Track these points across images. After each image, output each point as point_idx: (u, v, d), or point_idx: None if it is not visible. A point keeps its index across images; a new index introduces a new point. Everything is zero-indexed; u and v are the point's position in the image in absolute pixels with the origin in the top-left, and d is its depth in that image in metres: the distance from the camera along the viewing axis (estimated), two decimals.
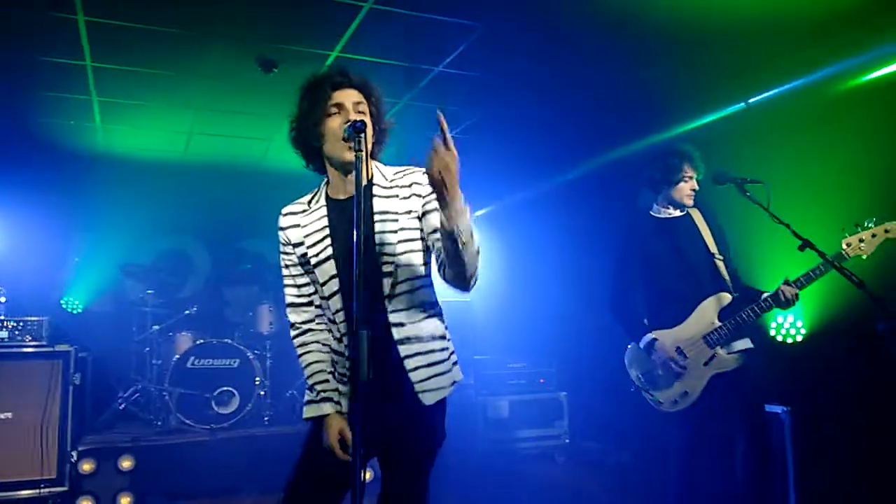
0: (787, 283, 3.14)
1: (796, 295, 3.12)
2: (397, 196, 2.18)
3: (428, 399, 2.12)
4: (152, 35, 3.92)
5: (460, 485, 4.79)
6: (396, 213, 2.16)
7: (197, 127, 5.64)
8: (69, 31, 3.83)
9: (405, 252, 2.15)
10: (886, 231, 2.98)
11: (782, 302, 3.12)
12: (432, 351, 2.17)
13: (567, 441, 5.83)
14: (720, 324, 3.26)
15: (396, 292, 2.13)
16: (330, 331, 2.27)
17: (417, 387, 2.10)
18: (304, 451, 2.21)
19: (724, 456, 3.31)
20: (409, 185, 2.19)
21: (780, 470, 3.75)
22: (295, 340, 2.32)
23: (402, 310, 2.13)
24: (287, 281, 2.32)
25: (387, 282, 2.12)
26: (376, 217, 2.15)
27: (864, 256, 3.00)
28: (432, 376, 2.14)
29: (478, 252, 2.01)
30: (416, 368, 2.11)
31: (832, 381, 3.95)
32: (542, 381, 6.05)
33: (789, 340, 4.22)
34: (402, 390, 2.10)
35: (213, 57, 4.25)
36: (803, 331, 4.15)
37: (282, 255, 2.31)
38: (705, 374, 3.26)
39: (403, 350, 2.11)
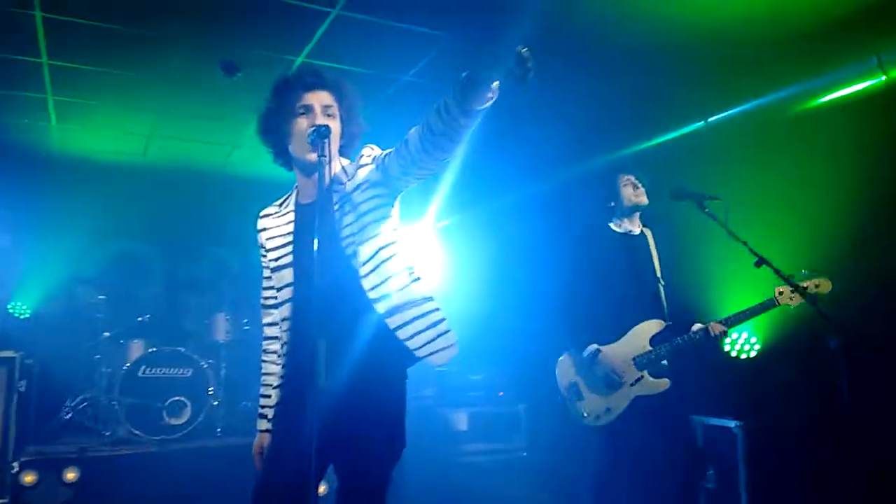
0: (719, 320, 3.29)
1: (724, 332, 3.27)
2: (359, 188, 2.13)
3: (439, 359, 2.05)
4: (112, 34, 3.84)
5: (416, 497, 4.74)
6: (354, 198, 2.11)
7: (157, 130, 5.53)
8: (26, 26, 3.73)
9: (368, 224, 2.09)
10: (817, 286, 3.10)
11: (710, 338, 3.27)
12: (430, 311, 2.09)
13: (525, 454, 5.83)
14: (651, 348, 3.34)
15: (371, 268, 2.06)
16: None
17: (421, 352, 2.03)
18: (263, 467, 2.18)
19: (644, 475, 3.42)
20: (362, 164, 2.15)
21: (732, 484, 3.80)
22: (263, 343, 2.31)
23: (383, 282, 2.06)
24: (264, 283, 2.33)
25: (355, 261, 2.06)
26: (338, 212, 2.11)
27: (793, 307, 3.16)
28: (437, 336, 2.07)
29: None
30: (412, 336, 2.04)
31: (785, 396, 4.03)
32: (501, 393, 6.05)
33: (743, 356, 4.30)
34: (401, 361, 2.06)
35: (174, 59, 4.18)
36: (757, 346, 4.24)
37: (261, 256, 2.33)
38: (630, 393, 3.34)
39: (392, 322, 2.03)
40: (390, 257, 2.10)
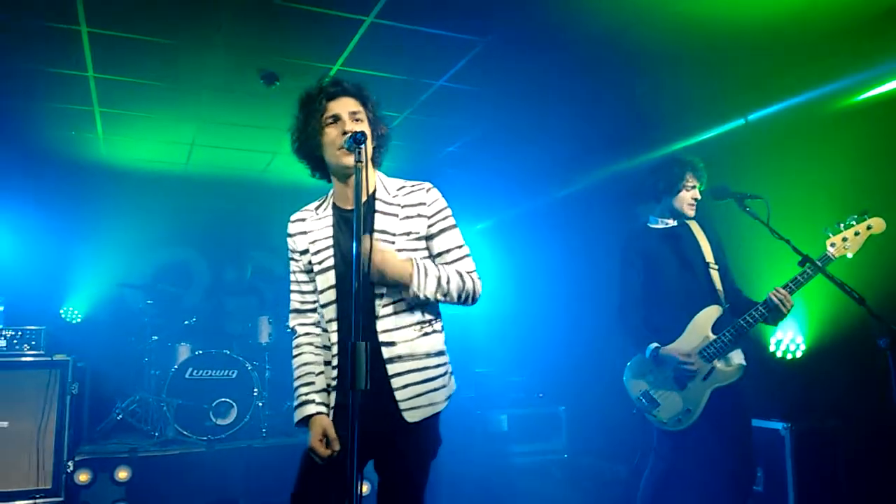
0: (780, 287, 3.05)
1: (787, 298, 3.01)
2: (397, 216, 2.19)
3: (413, 416, 2.11)
4: (155, 46, 3.94)
5: (457, 499, 4.76)
6: (394, 234, 2.16)
7: (199, 138, 5.66)
8: (72, 41, 3.85)
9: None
10: (869, 227, 2.92)
11: (773, 307, 3.02)
12: (426, 368, 2.16)
13: (565, 456, 5.80)
14: (715, 337, 3.20)
15: (388, 313, 2.13)
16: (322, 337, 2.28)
17: (402, 405, 2.10)
18: (303, 462, 2.18)
19: (703, 469, 3.30)
20: (415, 206, 2.20)
21: (780, 487, 3.72)
22: (294, 341, 2.34)
23: (393, 329, 2.13)
24: (293, 287, 2.35)
25: (378, 302, 2.13)
26: (375, 235, 2.15)
27: (850, 255, 2.93)
28: (423, 393, 2.14)
29: (441, 289, 2.11)
30: (404, 387, 2.11)
31: (832, 397, 3.93)
32: (541, 395, 6.03)
33: (789, 356, 4.21)
34: (386, 409, 2.09)
35: (215, 69, 4.27)
36: (803, 347, 4.14)
37: (290, 262, 2.35)
38: (706, 389, 3.20)
39: (391, 369, 2.10)
40: (413, 307, 2.17)
